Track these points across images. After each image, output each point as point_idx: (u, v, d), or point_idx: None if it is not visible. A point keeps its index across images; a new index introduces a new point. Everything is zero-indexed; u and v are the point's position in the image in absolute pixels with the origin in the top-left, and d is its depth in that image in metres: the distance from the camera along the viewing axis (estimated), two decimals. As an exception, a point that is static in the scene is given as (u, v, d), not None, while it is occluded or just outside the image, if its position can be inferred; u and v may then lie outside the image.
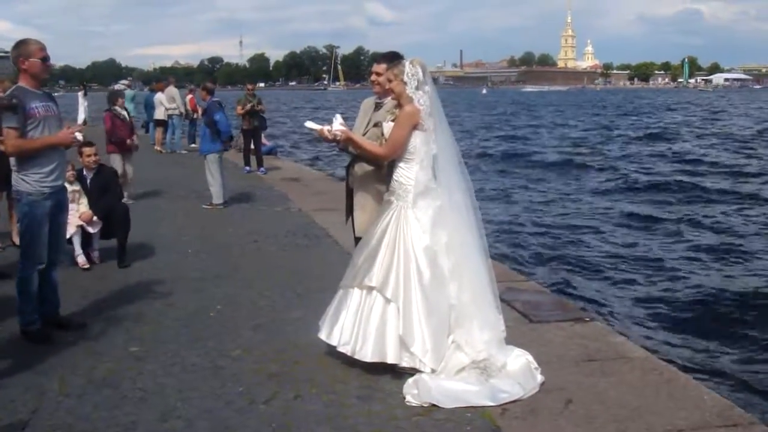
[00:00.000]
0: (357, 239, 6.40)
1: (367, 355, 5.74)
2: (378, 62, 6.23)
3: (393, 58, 6.19)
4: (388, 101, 6.24)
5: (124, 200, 13.23)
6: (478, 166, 28.66)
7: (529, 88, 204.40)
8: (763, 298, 11.38)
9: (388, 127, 6.02)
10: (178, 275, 8.89)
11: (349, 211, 6.58)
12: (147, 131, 27.60)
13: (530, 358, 5.84)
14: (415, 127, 5.87)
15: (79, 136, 6.62)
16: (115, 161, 13.59)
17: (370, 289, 5.81)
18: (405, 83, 5.88)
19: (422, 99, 5.87)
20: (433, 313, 5.73)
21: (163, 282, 8.53)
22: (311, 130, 6.36)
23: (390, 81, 6.00)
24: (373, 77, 6.21)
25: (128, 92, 30.68)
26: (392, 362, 5.72)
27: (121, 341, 6.64)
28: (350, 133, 6.05)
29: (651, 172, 27.26)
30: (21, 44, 6.47)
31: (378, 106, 6.38)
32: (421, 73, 5.88)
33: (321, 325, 6.09)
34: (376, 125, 6.22)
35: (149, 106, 25.77)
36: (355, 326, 5.81)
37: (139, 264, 9.51)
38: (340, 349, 5.86)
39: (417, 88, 5.87)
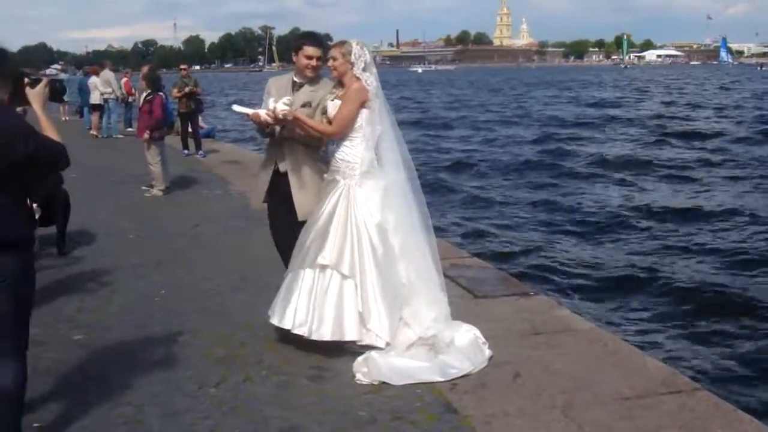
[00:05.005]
0: (298, 223, 6.35)
1: (326, 334, 5.72)
2: (335, 47, 6.13)
3: (321, 42, 6.31)
4: (322, 82, 6.27)
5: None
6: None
7: (415, 68, 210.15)
8: (700, 263, 11.69)
9: (333, 105, 6.00)
10: (119, 261, 8.75)
11: (274, 193, 6.44)
12: (81, 116, 27.08)
13: (478, 333, 5.91)
14: (362, 105, 5.89)
15: None
16: (157, 152, 13.46)
17: (323, 267, 5.79)
18: (351, 64, 5.91)
19: (369, 80, 5.94)
20: (388, 289, 5.78)
21: (105, 268, 8.40)
22: (240, 113, 6.27)
23: (335, 59, 5.99)
24: (330, 62, 6.09)
25: (62, 76, 30.12)
26: (351, 339, 5.72)
27: (64, 330, 6.53)
28: (298, 114, 5.95)
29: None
30: None
31: (298, 86, 6.31)
32: (368, 56, 5.99)
33: (271, 312, 6.01)
34: (304, 105, 6.11)
35: (83, 91, 25.24)
36: (309, 307, 5.77)
37: (80, 251, 9.35)
38: (296, 331, 5.80)
39: (364, 70, 5.93)
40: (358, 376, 5.44)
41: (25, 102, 4.37)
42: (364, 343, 5.73)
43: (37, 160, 4.04)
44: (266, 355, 5.87)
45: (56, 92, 4.91)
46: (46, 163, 4.18)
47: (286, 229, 6.46)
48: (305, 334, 5.76)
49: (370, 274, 5.76)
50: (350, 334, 5.73)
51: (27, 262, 4.17)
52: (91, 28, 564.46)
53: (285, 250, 6.51)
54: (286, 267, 6.54)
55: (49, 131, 4.18)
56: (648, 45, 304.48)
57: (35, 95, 4.35)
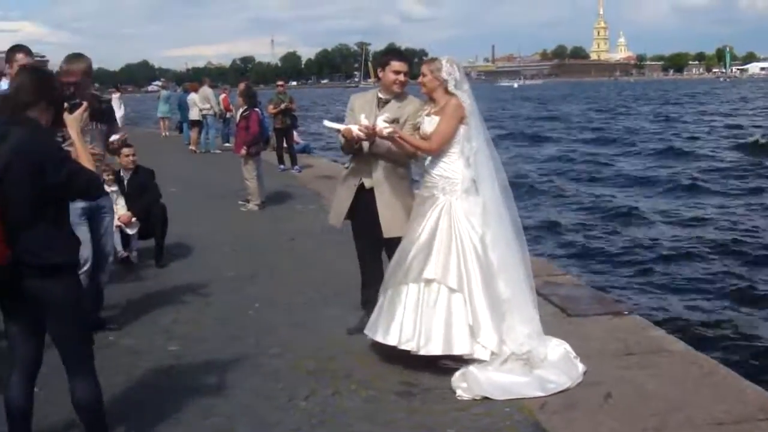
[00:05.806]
0: (382, 239, 6.39)
1: (436, 349, 5.66)
2: (425, 64, 6.13)
3: (407, 57, 6.37)
4: (409, 98, 6.32)
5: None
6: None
7: (508, 83, 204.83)
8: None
9: (430, 121, 6.00)
10: (214, 274, 8.93)
11: (358, 208, 6.44)
12: (180, 131, 27.81)
13: (568, 347, 5.87)
14: (460, 121, 5.91)
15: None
16: (254, 167, 13.75)
17: (429, 282, 5.76)
18: (443, 81, 5.92)
19: (464, 96, 5.94)
20: (494, 302, 5.74)
21: (201, 281, 8.56)
22: (332, 129, 6.32)
23: (424, 76, 6.01)
24: (420, 78, 6.10)
25: (163, 93, 31.03)
26: (460, 353, 5.66)
27: (160, 340, 6.71)
28: (399, 131, 5.99)
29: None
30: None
31: (383, 102, 6.34)
32: (457, 73, 5.96)
33: (372, 328, 6.01)
34: (393, 122, 6.07)
35: (183, 107, 25.95)
36: (416, 322, 5.72)
37: (177, 264, 9.60)
38: (402, 347, 5.74)
39: (456, 87, 5.93)
40: (459, 392, 5.40)
41: (64, 126, 4.33)
42: (474, 356, 5.66)
43: (69, 189, 4.07)
44: (356, 370, 5.90)
45: (99, 114, 4.76)
46: (78, 192, 4.21)
47: (370, 244, 6.50)
48: (413, 350, 5.71)
49: (477, 287, 5.72)
50: (459, 348, 5.65)
51: (70, 286, 4.15)
52: (191, 45, 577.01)
53: (367, 264, 6.56)
54: (364, 282, 6.60)
55: (84, 159, 4.17)
56: (751, 57, 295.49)
57: (72, 121, 4.32)
